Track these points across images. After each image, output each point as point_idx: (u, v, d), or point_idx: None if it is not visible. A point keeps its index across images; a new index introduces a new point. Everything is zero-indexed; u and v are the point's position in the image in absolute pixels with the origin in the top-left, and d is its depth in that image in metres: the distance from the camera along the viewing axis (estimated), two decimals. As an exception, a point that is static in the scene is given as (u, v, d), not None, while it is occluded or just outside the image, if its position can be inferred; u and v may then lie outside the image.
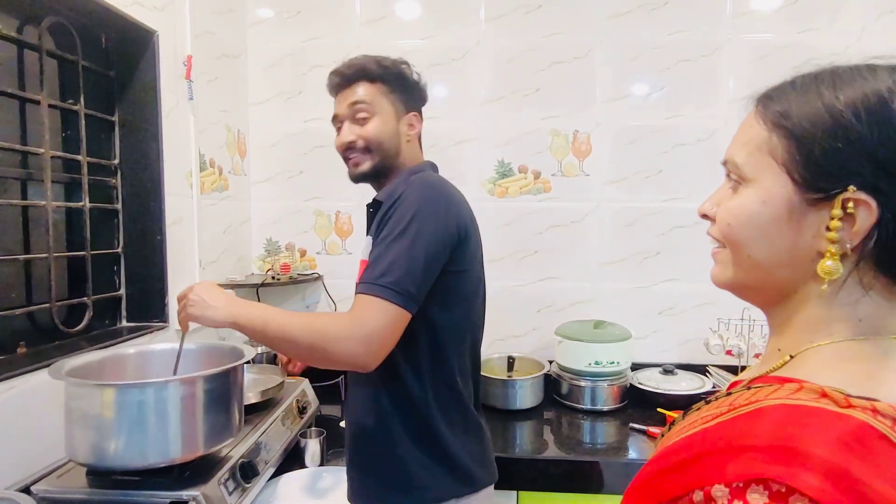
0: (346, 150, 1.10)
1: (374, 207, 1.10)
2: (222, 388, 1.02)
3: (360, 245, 2.03)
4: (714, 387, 1.82)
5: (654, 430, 1.61)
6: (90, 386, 0.93)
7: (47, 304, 1.29)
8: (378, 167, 1.10)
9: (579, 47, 1.96)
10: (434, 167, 1.15)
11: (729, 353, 1.82)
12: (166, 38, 1.53)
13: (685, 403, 1.77)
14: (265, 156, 2.06)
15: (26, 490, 0.99)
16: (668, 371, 1.87)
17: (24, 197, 1.29)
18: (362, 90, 1.08)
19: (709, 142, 1.94)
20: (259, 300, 1.93)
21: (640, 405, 1.81)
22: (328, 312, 0.96)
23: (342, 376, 1.85)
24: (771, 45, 1.91)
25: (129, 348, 1.18)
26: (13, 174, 1.26)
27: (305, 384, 1.59)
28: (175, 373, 1.07)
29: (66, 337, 1.34)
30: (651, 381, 1.84)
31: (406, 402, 1.00)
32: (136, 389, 0.93)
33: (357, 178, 1.13)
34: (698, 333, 1.93)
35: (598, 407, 1.78)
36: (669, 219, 1.97)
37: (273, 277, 1.89)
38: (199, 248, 1.69)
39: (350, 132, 1.09)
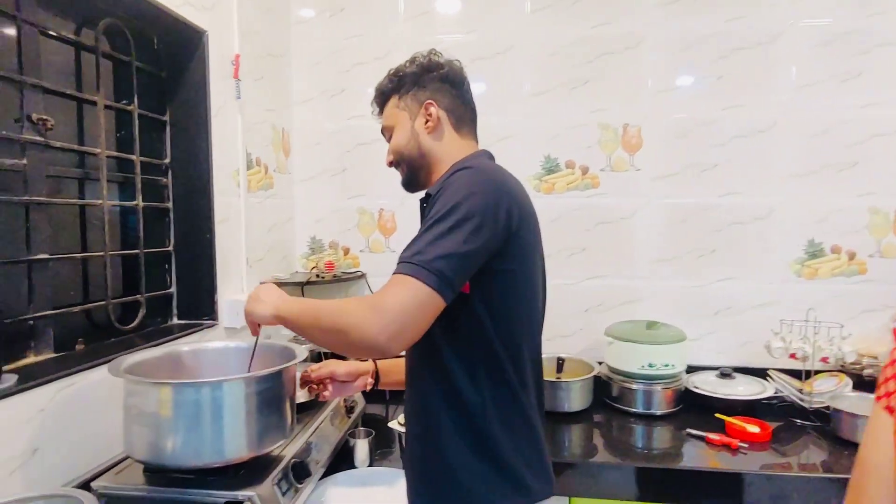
0: (395, 168, 1.12)
1: (426, 201, 1.08)
2: (276, 388, 1.01)
3: (404, 243, 2.01)
4: (776, 392, 1.73)
5: (712, 436, 1.53)
6: (147, 384, 0.93)
7: (104, 302, 1.31)
8: (412, 173, 1.08)
9: (629, 37, 1.89)
10: (487, 155, 1.07)
11: (793, 356, 1.72)
12: (215, 37, 1.54)
13: (744, 409, 1.70)
14: (309, 154, 2.06)
15: (86, 485, 1.00)
16: (725, 374, 1.78)
17: (81, 196, 1.32)
18: (384, 113, 1.11)
19: (769, 133, 1.84)
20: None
21: (695, 410, 1.73)
22: (354, 297, 0.88)
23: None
24: (834, 30, 1.79)
25: (184, 346, 1.18)
26: (71, 174, 1.28)
27: (352, 383, 1.57)
28: (249, 370, 1.07)
29: (121, 334, 1.36)
30: (707, 385, 1.75)
31: (460, 408, 0.95)
32: (192, 388, 0.92)
33: (406, 189, 1.13)
34: (758, 335, 1.84)
35: (652, 411, 1.71)
36: (726, 215, 1.88)
37: (317, 275, 1.89)
38: (246, 246, 1.69)
39: (388, 153, 1.11)
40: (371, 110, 1.14)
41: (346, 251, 2.05)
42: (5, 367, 1.06)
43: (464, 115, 1.08)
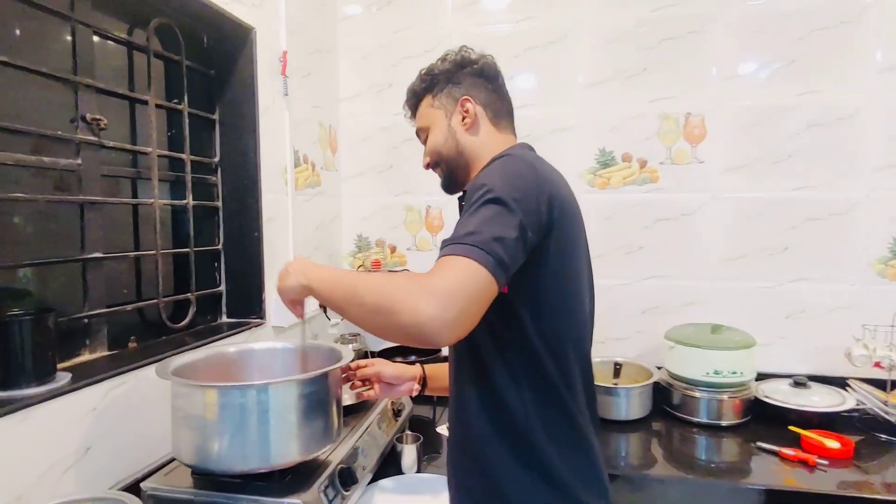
0: (433, 171, 1.07)
1: (463, 200, 1.02)
2: (323, 391, 0.98)
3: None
4: (857, 404, 1.58)
5: (786, 451, 1.41)
6: (193, 386, 0.91)
7: (155, 300, 1.32)
8: (451, 173, 1.03)
9: (693, 20, 1.76)
10: (527, 146, 1.00)
11: (878, 365, 1.57)
12: (263, 34, 1.53)
13: (821, 421, 1.56)
14: (355, 151, 2.04)
15: (136, 485, 1.00)
16: (799, 383, 1.64)
17: (134, 195, 1.33)
18: (418, 114, 1.07)
19: (851, 121, 1.68)
20: (351, 297, 1.91)
21: (766, 421, 1.60)
22: (402, 273, 0.79)
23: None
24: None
25: (231, 347, 1.17)
26: (124, 173, 1.29)
27: (399, 385, 1.53)
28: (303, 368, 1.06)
29: (171, 332, 1.37)
30: (779, 395, 1.62)
31: (502, 415, 0.88)
32: (238, 392, 0.90)
33: (444, 190, 1.08)
34: (836, 341, 1.68)
35: (717, 421, 1.60)
36: (801, 210, 1.73)
37: (364, 274, 1.86)
38: (293, 244, 1.68)
39: (424, 155, 1.07)
40: (404, 113, 1.11)
41: (393, 249, 2.02)
42: (61, 366, 1.07)
43: (501, 109, 1.03)
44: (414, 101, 1.07)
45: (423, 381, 1.20)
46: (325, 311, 1.76)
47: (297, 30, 1.70)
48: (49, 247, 1.12)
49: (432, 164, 1.06)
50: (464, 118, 1.00)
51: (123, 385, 1.08)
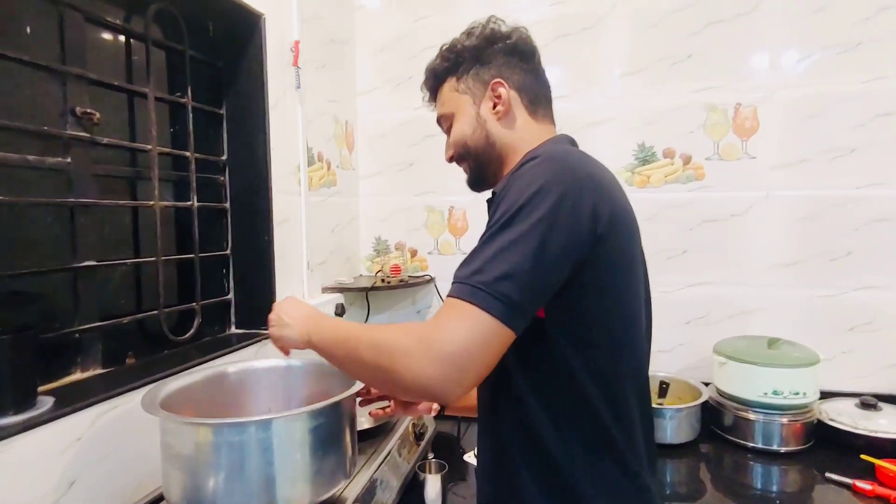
0: (458, 164, 0.94)
1: (491, 202, 0.87)
2: (335, 423, 0.85)
3: (474, 244, 1.82)
4: (937, 428, 1.40)
5: (861, 483, 1.24)
6: (182, 423, 0.79)
7: (156, 311, 1.20)
8: (480, 169, 0.89)
9: (743, 2, 1.60)
10: (567, 140, 0.86)
11: (961, 385, 1.38)
12: (273, 22, 1.41)
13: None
14: (373, 148, 1.91)
15: (127, 525, 0.88)
16: (868, 405, 1.46)
17: (132, 197, 1.22)
18: (439, 99, 0.93)
19: (926, 110, 1.50)
20: (368, 305, 1.79)
21: (830, 447, 1.43)
22: (399, 324, 0.73)
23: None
24: None
25: (231, 367, 1.05)
26: (120, 173, 1.18)
27: (420, 403, 1.40)
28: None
29: (174, 345, 1.26)
30: (845, 417, 1.45)
31: (542, 460, 0.74)
32: (235, 430, 0.77)
33: (470, 187, 0.94)
34: (909, 357, 1.50)
35: (775, 447, 1.43)
36: (866, 210, 1.55)
37: (382, 280, 1.74)
38: (307, 249, 1.56)
39: (446, 147, 0.94)
40: (422, 96, 0.96)
41: (414, 253, 1.89)
42: (47, 387, 0.96)
43: (539, 94, 0.88)
44: (434, 82, 0.93)
45: None
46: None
47: (310, 18, 1.58)
48: (35, 254, 1.01)
49: (456, 158, 0.92)
50: (495, 105, 0.85)
51: (115, 409, 0.96)
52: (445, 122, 0.92)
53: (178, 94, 1.30)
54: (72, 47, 1.03)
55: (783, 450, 1.43)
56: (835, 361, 1.58)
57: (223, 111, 1.42)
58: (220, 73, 1.42)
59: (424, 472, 1.17)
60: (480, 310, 0.62)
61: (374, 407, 1.03)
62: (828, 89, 1.56)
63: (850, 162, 1.56)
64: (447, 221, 1.86)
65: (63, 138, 1.01)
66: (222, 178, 1.43)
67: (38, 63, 0.96)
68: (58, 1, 1.01)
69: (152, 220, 1.20)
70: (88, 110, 1.04)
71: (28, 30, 0.97)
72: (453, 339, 0.62)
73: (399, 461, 1.17)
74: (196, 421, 0.80)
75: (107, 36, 1.15)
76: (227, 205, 1.44)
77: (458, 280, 0.67)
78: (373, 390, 1.01)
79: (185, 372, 1.01)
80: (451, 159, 0.93)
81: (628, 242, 0.75)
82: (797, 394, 1.40)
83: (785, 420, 1.42)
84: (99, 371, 1.08)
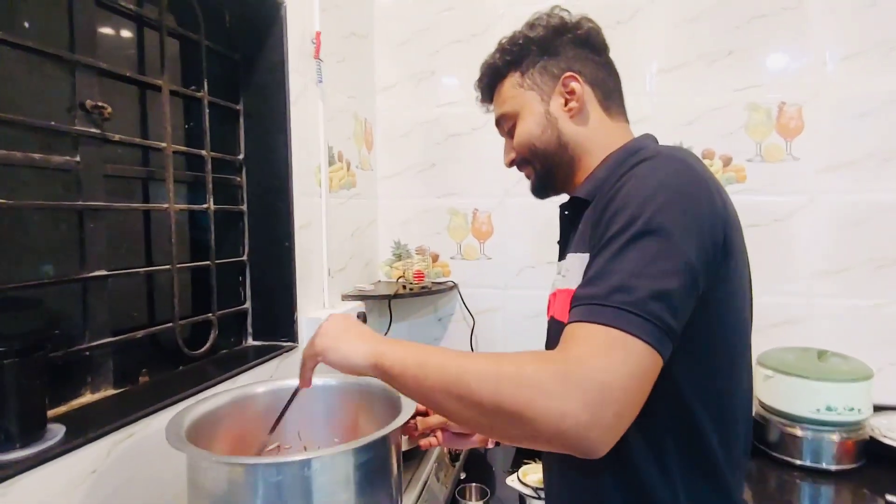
0: (517, 168, 0.86)
1: (571, 209, 0.79)
2: (383, 456, 0.76)
3: (501, 249, 1.74)
4: None
5: (926, 509, 1.16)
6: (214, 462, 0.69)
7: (170, 324, 1.11)
8: (548, 173, 0.81)
9: (789, -6, 1.52)
10: (653, 139, 0.78)
11: None
12: (294, 11, 1.31)
13: (953, 467, 1.31)
14: (393, 147, 1.82)
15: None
16: (922, 420, 1.39)
17: (145, 198, 1.12)
18: (499, 97, 0.84)
19: (983, 109, 1.42)
20: (391, 313, 1.70)
21: (883, 465, 1.35)
22: (523, 352, 0.59)
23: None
24: None
25: (259, 386, 0.95)
26: (132, 173, 1.08)
27: (451, 420, 1.31)
28: (271, 432, 0.84)
29: (189, 360, 1.16)
30: (898, 434, 1.37)
31: (636, 491, 0.65)
32: (273, 469, 0.68)
33: (535, 193, 0.86)
34: (963, 370, 1.43)
35: (824, 465, 1.35)
36: (918, 215, 1.48)
37: (404, 287, 1.64)
38: (328, 254, 1.47)
39: (507, 148, 0.86)
40: (476, 95, 0.88)
41: (435, 258, 1.80)
42: (55, 412, 0.86)
43: (613, 89, 0.80)
44: (493, 79, 0.84)
45: None
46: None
47: (329, 8, 1.49)
48: (41, 264, 0.91)
49: (520, 162, 0.83)
50: (567, 101, 0.77)
51: (131, 437, 0.87)
52: (507, 122, 0.83)
53: (193, 87, 1.20)
54: (81, 35, 0.93)
55: (833, 468, 1.34)
56: (883, 373, 1.50)
57: (240, 107, 1.33)
58: (237, 65, 1.32)
59: (465, 498, 1.08)
60: (632, 336, 0.52)
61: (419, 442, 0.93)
62: (878, 88, 1.48)
63: (901, 164, 1.48)
64: (471, 225, 1.77)
65: (72, 135, 0.92)
66: (239, 179, 1.34)
67: (44, 51, 0.86)
68: (66, -17, 0.91)
69: (166, 225, 1.10)
70: (100, 104, 0.94)
71: (33, 16, 0.87)
72: (608, 373, 0.51)
73: (437, 486, 1.08)
74: (230, 461, 0.70)
75: (117, 24, 1.05)
76: (245, 207, 1.34)
77: (591, 300, 0.56)
78: (419, 424, 0.91)
79: (210, 393, 0.91)
80: (512, 163, 0.85)
81: (742, 257, 0.67)
82: (851, 410, 1.32)
83: (836, 437, 1.34)
84: (111, 391, 0.98)
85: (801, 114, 1.53)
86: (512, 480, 1.13)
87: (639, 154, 0.68)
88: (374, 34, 1.79)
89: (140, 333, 1.05)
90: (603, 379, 0.51)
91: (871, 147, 1.49)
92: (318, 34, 1.39)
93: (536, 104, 0.78)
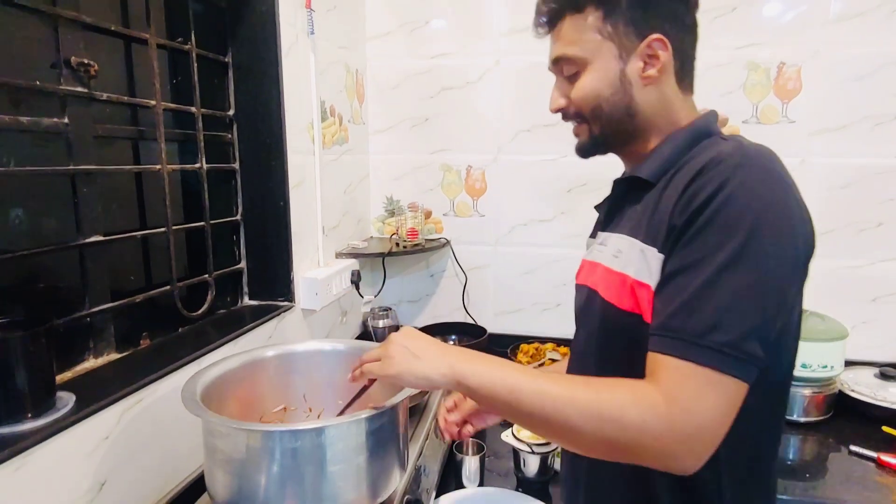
0: (562, 117, 0.76)
1: (628, 185, 0.73)
2: (393, 422, 0.79)
3: (494, 205, 1.74)
4: (954, 399, 1.42)
5: (887, 458, 1.25)
6: (233, 428, 0.71)
7: (168, 287, 1.10)
8: (604, 137, 0.73)
9: (797, -52, 1.47)
10: (715, 117, 0.73)
11: (983, 358, 1.40)
12: (284, -46, 1.23)
13: (913, 421, 1.41)
14: (385, 100, 1.76)
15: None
16: (887, 376, 1.48)
17: (136, 159, 1.08)
18: (566, 33, 0.71)
19: (977, 75, 1.43)
20: (385, 270, 1.71)
21: (850, 417, 1.44)
22: (616, 385, 0.58)
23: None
24: None
25: (269, 350, 0.97)
26: (122, 133, 1.04)
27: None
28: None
29: (188, 321, 1.16)
30: (864, 388, 1.46)
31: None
32: (290, 435, 0.70)
33: (581, 153, 0.76)
34: (930, 328, 1.51)
35: (795, 417, 1.44)
36: (902, 179, 1.51)
37: (397, 244, 1.65)
38: (322, 212, 1.45)
39: (557, 93, 0.74)
40: (535, 20, 0.73)
41: (428, 214, 1.79)
42: (61, 378, 0.87)
43: (691, 59, 0.73)
44: (565, 8, 0.70)
45: None
46: (357, 288, 1.56)
47: (320, -50, 1.40)
48: (37, 231, 0.89)
49: (574, 114, 0.74)
50: (646, 66, 0.68)
51: (140, 403, 0.88)
52: (569, 66, 0.71)
53: (178, 39, 1.14)
54: (62, -15, 0.87)
55: (802, 420, 1.44)
56: (855, 331, 1.58)
57: (228, 59, 1.27)
58: (223, 14, 1.25)
59: (462, 452, 1.14)
60: (730, 377, 0.54)
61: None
62: (879, 49, 1.47)
63: (893, 129, 1.49)
64: (465, 181, 1.75)
65: (58, 94, 0.87)
66: (229, 136, 1.29)
67: (24, 5, 0.81)
68: (41, -74, 0.83)
69: (160, 186, 1.07)
70: (85, 61, 0.89)
71: (9, -38, 0.81)
72: (705, 415, 0.54)
73: (436, 443, 1.13)
74: (249, 427, 0.72)
75: (98, -31, 0.98)
76: (237, 165, 1.31)
77: (687, 337, 0.55)
78: (456, 418, 0.91)
79: (219, 356, 0.92)
80: (559, 111, 0.75)
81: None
82: (825, 367, 1.40)
83: (808, 392, 1.42)
84: (114, 356, 0.98)
85: (800, 74, 1.52)
86: (507, 436, 1.18)
87: (713, 144, 0.65)
88: (365, -23, 1.70)
89: (139, 298, 1.04)
90: (703, 422, 0.54)
91: (864, 111, 1.50)
92: (310, -20, 1.31)
93: (613, 60, 0.68)
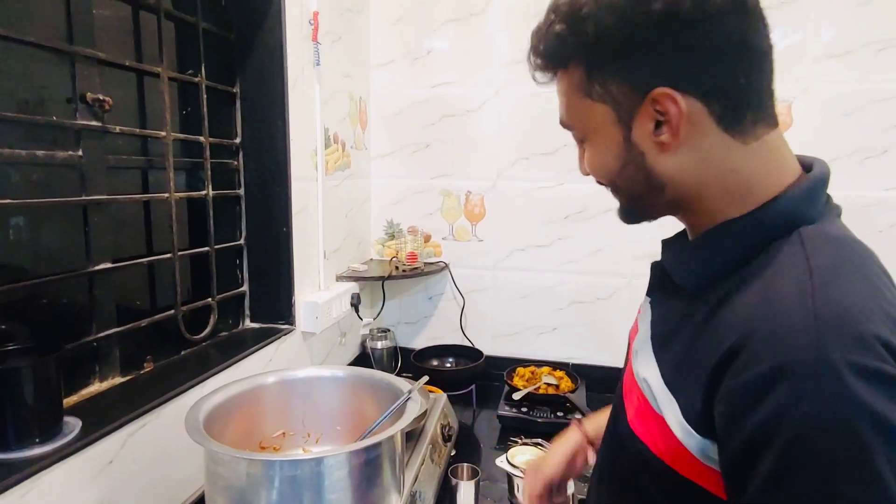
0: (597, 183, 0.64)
1: (667, 274, 0.58)
2: (390, 451, 0.81)
3: (493, 230, 1.77)
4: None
5: None
6: (234, 457, 0.74)
7: (172, 311, 1.13)
8: (635, 208, 0.60)
9: (787, -12, 1.52)
10: (818, 189, 0.53)
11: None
12: (292, -10, 1.28)
13: None
14: (387, 126, 1.81)
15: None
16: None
17: (144, 187, 1.12)
18: (561, 91, 0.58)
19: (962, 113, 1.47)
20: (384, 292, 1.74)
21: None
22: None
23: (474, 385, 1.64)
24: None
25: (270, 376, 0.99)
26: (133, 163, 1.08)
27: (444, 400, 1.37)
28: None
29: (191, 344, 1.19)
30: None
31: None
32: (289, 465, 0.73)
33: (627, 222, 0.62)
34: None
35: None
36: (892, 212, 1.55)
37: (397, 268, 1.68)
38: (323, 236, 1.48)
39: (580, 161, 0.62)
40: (530, 66, 0.59)
41: (428, 238, 1.82)
42: (67, 402, 0.89)
43: (746, 94, 0.51)
44: (550, 63, 0.57)
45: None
46: (356, 311, 1.59)
47: (327, -15, 1.45)
48: (48, 258, 0.92)
49: (598, 182, 0.61)
50: (658, 126, 0.51)
51: (144, 427, 0.91)
52: (574, 131, 0.60)
53: (189, 71, 1.18)
54: (79, 23, 0.91)
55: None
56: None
57: (236, 90, 1.31)
58: (232, 46, 1.30)
59: (457, 477, 1.16)
60: None
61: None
62: (867, 86, 1.51)
63: (881, 162, 1.53)
64: (464, 206, 1.79)
65: (74, 129, 0.91)
66: (235, 163, 1.33)
67: (44, 45, 0.85)
68: (63, -31, 0.88)
69: (167, 213, 1.11)
70: (101, 97, 0.93)
71: (31, 7, 0.85)
72: None
73: (432, 467, 1.14)
74: (250, 456, 0.75)
75: (113, 8, 1.03)
76: (241, 192, 1.34)
77: None
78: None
79: (222, 381, 0.95)
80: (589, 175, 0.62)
81: None
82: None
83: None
84: (118, 379, 1.01)
85: (790, 110, 1.57)
86: (501, 462, 1.20)
87: (784, 263, 0.47)
88: (369, 9, 1.75)
89: (144, 322, 1.07)
90: None
91: (854, 145, 1.54)
92: (316, 15, 1.36)
93: (610, 125, 0.54)
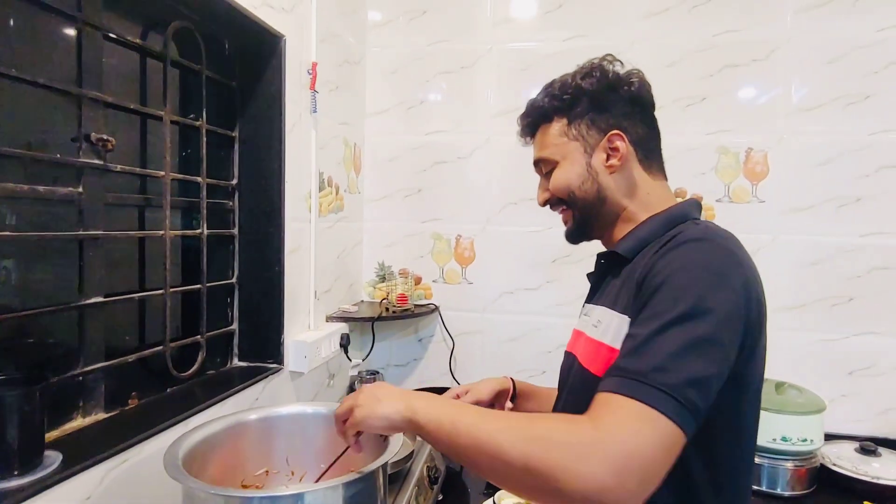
0: (550, 208, 0.89)
1: (608, 260, 0.84)
2: (371, 487, 0.80)
3: (482, 274, 1.80)
4: (933, 475, 1.43)
5: (869, 535, 1.25)
6: (211, 494, 0.73)
7: (161, 347, 1.13)
8: (584, 221, 0.84)
9: (759, 47, 1.62)
10: (696, 206, 0.82)
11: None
12: (293, 43, 1.35)
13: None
14: (381, 171, 1.86)
15: None
16: (867, 450, 1.49)
17: (141, 224, 1.15)
18: (541, 139, 0.87)
19: (929, 164, 1.55)
20: (374, 334, 1.74)
21: (832, 491, 1.45)
22: (553, 415, 0.74)
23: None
24: None
25: (252, 413, 0.99)
26: (131, 201, 1.11)
27: (431, 443, 1.36)
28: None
29: (177, 381, 1.19)
30: (846, 462, 1.47)
31: None
32: (268, 500, 0.72)
33: (570, 239, 0.89)
34: (906, 403, 1.54)
35: (778, 491, 1.44)
36: (869, 257, 1.59)
37: (387, 309, 1.69)
38: (315, 277, 1.50)
39: (541, 190, 0.89)
40: (519, 131, 0.90)
41: (418, 280, 1.85)
42: (48, 436, 0.88)
43: (654, 148, 0.84)
44: (538, 119, 0.86)
45: (513, 396, 1.06)
46: (346, 352, 1.59)
47: (326, 38, 1.53)
48: (40, 291, 0.94)
49: (554, 202, 0.87)
50: (609, 157, 0.80)
51: (125, 463, 0.89)
52: (546, 165, 0.86)
53: (191, 115, 1.23)
54: (89, 67, 0.96)
55: (787, 494, 1.44)
56: (834, 404, 1.60)
57: (235, 133, 1.36)
58: (234, 93, 1.36)
59: (443, 522, 1.13)
60: (665, 417, 0.56)
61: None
62: (838, 138, 1.59)
63: (855, 210, 1.59)
64: (454, 250, 1.83)
65: (76, 166, 0.94)
66: (231, 203, 1.37)
67: (54, 87, 0.89)
68: (76, 18, 0.94)
69: (160, 250, 1.13)
70: (105, 136, 0.97)
71: (43, 50, 0.90)
72: (636, 444, 0.54)
73: (417, 511, 1.12)
74: (228, 493, 0.74)
75: (122, 55, 1.08)
76: (235, 231, 1.37)
77: (633, 376, 0.59)
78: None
79: (205, 418, 0.94)
80: (545, 203, 0.88)
81: (765, 338, 0.71)
82: (804, 440, 1.41)
83: (790, 465, 1.43)
84: (101, 415, 1.00)
85: (767, 159, 1.64)
86: (488, 504, 1.19)
87: (685, 227, 0.73)
88: (366, 60, 1.84)
89: (131, 358, 1.07)
90: (630, 448, 0.54)
91: (828, 193, 1.60)
92: (315, 66, 1.43)
93: (579, 155, 0.81)
